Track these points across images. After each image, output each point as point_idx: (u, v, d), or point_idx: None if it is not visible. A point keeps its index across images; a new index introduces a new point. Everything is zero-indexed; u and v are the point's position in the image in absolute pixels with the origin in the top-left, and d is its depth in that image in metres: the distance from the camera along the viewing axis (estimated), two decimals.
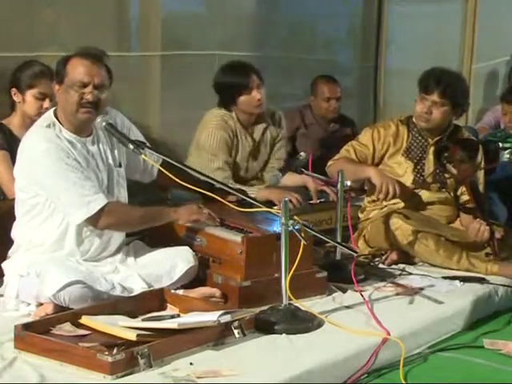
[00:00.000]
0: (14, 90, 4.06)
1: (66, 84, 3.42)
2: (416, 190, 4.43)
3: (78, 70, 3.41)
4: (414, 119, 4.48)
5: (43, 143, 3.39)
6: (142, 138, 3.69)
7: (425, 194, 4.44)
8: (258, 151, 4.82)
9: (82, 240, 3.49)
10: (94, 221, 3.41)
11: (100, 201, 3.39)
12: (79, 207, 3.37)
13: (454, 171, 4.42)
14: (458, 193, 4.49)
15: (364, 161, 4.45)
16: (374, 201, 4.44)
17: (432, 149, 4.44)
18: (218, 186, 3.63)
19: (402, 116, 4.56)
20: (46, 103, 3.99)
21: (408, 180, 4.43)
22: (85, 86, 3.40)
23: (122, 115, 3.71)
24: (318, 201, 4.67)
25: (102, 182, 3.51)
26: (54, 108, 3.53)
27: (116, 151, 3.62)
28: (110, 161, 3.59)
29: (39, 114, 3.96)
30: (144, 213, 3.59)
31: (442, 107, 4.34)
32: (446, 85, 4.33)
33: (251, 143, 4.76)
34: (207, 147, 4.59)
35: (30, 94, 4.02)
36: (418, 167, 4.44)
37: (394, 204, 4.41)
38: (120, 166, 3.64)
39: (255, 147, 4.79)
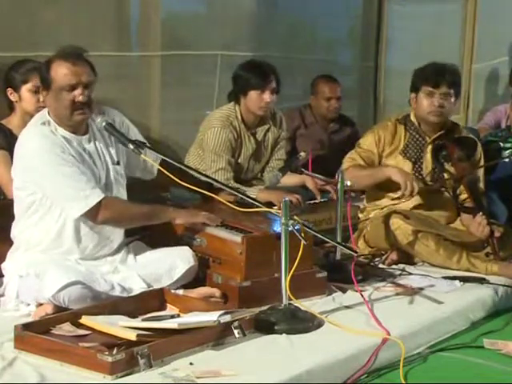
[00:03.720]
0: (9, 90, 4.07)
1: (54, 90, 3.40)
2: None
3: (64, 73, 3.38)
4: (411, 117, 4.47)
5: (38, 139, 3.39)
6: (140, 137, 3.68)
7: (424, 195, 4.43)
8: (260, 152, 4.82)
9: (81, 237, 3.48)
10: (92, 215, 3.40)
11: (97, 195, 3.39)
12: (77, 201, 3.37)
13: (452, 170, 4.42)
14: (457, 192, 4.49)
15: (372, 165, 4.44)
16: (397, 198, 4.36)
17: (430, 147, 4.44)
18: (217, 185, 3.63)
19: (400, 115, 4.56)
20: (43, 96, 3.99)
21: None
22: (74, 88, 3.39)
23: (121, 114, 3.71)
24: (319, 200, 4.68)
25: (99, 179, 3.51)
26: (46, 109, 3.52)
27: (113, 149, 3.62)
28: (108, 158, 3.58)
29: (37, 108, 3.97)
30: (143, 209, 3.59)
31: (450, 98, 4.37)
32: (452, 75, 4.38)
33: (254, 145, 4.76)
34: (211, 147, 4.58)
35: (25, 90, 4.03)
36: (416, 166, 4.43)
37: (394, 205, 4.41)
38: (118, 163, 3.64)
39: (257, 148, 4.79)
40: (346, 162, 4.46)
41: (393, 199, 4.46)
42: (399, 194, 4.27)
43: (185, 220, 3.71)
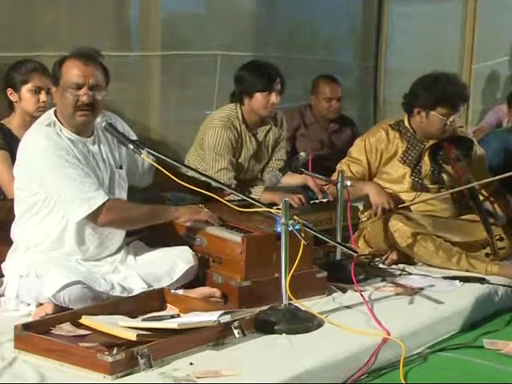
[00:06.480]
0: (9, 90, 4.07)
1: (61, 86, 3.42)
2: (416, 193, 4.42)
3: (72, 71, 3.40)
4: (406, 124, 4.45)
5: (43, 140, 3.39)
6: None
7: (425, 196, 4.42)
8: (261, 153, 4.82)
9: (82, 239, 3.48)
10: (94, 217, 3.40)
11: (100, 197, 3.39)
12: (80, 204, 3.37)
13: (450, 170, 4.42)
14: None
15: (361, 177, 4.45)
16: (370, 217, 4.44)
17: (428, 151, 4.44)
18: (217, 185, 3.64)
19: (391, 120, 4.55)
20: (43, 96, 4.00)
21: (406, 185, 4.43)
22: (79, 87, 3.40)
23: (121, 120, 3.71)
24: (320, 199, 4.68)
25: (102, 182, 3.51)
26: (53, 108, 3.53)
27: (117, 153, 3.63)
28: (112, 162, 3.59)
29: (38, 108, 3.98)
30: (145, 210, 3.59)
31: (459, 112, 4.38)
32: (467, 93, 4.35)
33: (255, 145, 4.76)
34: (212, 146, 4.57)
35: (25, 90, 4.02)
36: (416, 170, 4.42)
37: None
38: (121, 167, 3.64)
39: (258, 149, 4.79)
40: (335, 175, 4.48)
41: (369, 218, 4.47)
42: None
43: (188, 218, 3.71)
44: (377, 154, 4.44)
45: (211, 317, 3.00)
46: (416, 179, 4.42)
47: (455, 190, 4.35)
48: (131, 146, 3.45)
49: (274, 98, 4.56)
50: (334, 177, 4.29)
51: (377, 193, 4.31)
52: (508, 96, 6.14)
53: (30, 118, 3.94)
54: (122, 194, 3.64)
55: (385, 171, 4.46)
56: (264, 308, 3.32)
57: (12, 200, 3.56)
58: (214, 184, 3.65)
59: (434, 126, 4.35)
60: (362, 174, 4.46)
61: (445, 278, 4.03)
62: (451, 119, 4.30)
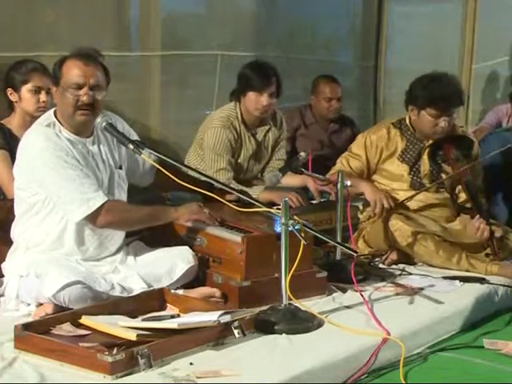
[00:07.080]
0: (9, 90, 4.07)
1: (61, 86, 3.42)
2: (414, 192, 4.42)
3: (73, 71, 3.40)
4: (407, 122, 4.45)
5: (42, 141, 3.39)
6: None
7: (423, 196, 4.43)
8: (260, 153, 4.81)
9: (81, 239, 3.48)
10: (93, 218, 3.40)
11: (100, 198, 3.39)
12: (79, 205, 3.37)
13: (450, 170, 4.41)
14: (456, 191, 4.48)
15: (360, 173, 4.47)
16: (370, 217, 4.44)
17: (427, 150, 4.44)
18: (217, 186, 3.64)
19: (394, 119, 4.56)
20: (43, 96, 4.00)
21: (405, 183, 4.43)
22: (80, 87, 3.40)
23: (122, 120, 3.71)
24: (318, 201, 4.68)
25: (102, 182, 3.51)
26: (54, 109, 3.53)
27: (116, 153, 3.63)
28: (111, 162, 3.59)
29: (38, 108, 3.98)
30: (144, 212, 3.59)
31: (453, 115, 4.35)
32: (459, 96, 4.34)
33: (254, 145, 4.76)
34: (211, 146, 4.57)
35: (25, 90, 4.02)
36: (414, 169, 4.43)
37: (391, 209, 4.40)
38: (121, 168, 3.64)
39: (258, 149, 4.78)
40: (333, 168, 4.48)
41: (369, 218, 4.47)
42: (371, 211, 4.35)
43: (187, 219, 3.71)
44: (376, 151, 4.45)
45: (211, 317, 3.00)
46: (415, 178, 4.43)
47: (446, 177, 4.36)
48: (131, 146, 3.45)
49: (264, 99, 4.54)
50: (331, 174, 4.31)
51: (372, 191, 4.33)
52: (510, 94, 6.14)
53: (30, 118, 3.94)
54: (121, 194, 3.64)
55: (384, 168, 4.47)
56: (264, 308, 3.32)
57: (12, 200, 3.56)
58: (214, 184, 3.65)
59: (424, 126, 4.35)
60: (361, 169, 4.47)
61: (445, 277, 4.03)
62: (442, 121, 4.29)
